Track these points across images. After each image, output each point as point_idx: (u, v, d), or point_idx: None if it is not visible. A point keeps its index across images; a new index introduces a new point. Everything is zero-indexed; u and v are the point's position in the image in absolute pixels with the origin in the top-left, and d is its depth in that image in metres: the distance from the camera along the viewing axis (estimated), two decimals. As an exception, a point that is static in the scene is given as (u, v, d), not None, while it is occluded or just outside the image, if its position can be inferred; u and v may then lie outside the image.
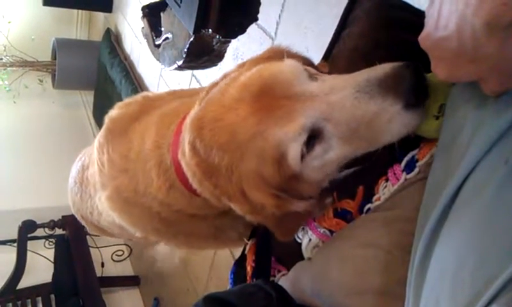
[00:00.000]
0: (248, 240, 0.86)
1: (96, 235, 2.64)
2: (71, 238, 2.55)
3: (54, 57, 3.55)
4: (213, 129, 0.61)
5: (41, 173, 3.10)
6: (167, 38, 1.68)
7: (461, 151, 0.47)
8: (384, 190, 0.63)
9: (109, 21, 3.63)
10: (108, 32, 3.46)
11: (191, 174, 0.66)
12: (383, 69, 0.55)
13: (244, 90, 0.60)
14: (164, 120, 0.79)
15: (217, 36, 1.44)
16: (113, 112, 0.90)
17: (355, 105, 0.55)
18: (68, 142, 3.06)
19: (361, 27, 0.72)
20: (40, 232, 2.61)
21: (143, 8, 1.82)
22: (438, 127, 0.56)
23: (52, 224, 2.60)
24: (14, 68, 3.52)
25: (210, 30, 1.39)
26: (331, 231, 0.70)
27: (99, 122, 3.01)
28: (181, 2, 1.44)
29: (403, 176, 0.61)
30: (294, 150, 0.57)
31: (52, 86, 3.66)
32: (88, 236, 2.63)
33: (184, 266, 2.39)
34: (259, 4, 1.48)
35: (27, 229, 2.52)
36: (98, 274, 2.58)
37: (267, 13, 1.61)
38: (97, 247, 2.76)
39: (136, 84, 2.90)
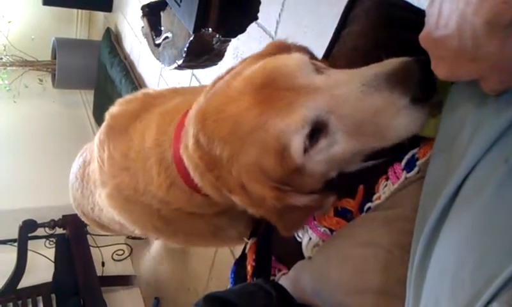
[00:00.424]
0: (248, 239, 0.86)
1: (96, 234, 2.64)
2: (71, 237, 2.55)
3: (54, 56, 3.55)
4: (216, 120, 0.60)
5: (41, 172, 3.10)
6: (167, 37, 1.68)
7: (461, 151, 0.47)
8: (385, 189, 0.63)
9: (109, 20, 3.63)
10: (108, 31, 3.46)
11: (193, 167, 0.65)
12: (390, 64, 0.54)
13: (248, 82, 0.60)
14: (165, 118, 0.79)
15: (217, 35, 1.43)
16: (114, 109, 0.90)
17: (360, 98, 0.54)
18: (68, 141, 3.05)
19: (361, 26, 0.72)
20: (40, 231, 2.60)
21: (143, 7, 1.81)
22: (435, 125, 0.55)
23: (53, 224, 2.60)
24: (14, 68, 3.52)
25: (210, 29, 1.39)
26: (332, 230, 0.70)
27: (99, 121, 3.01)
28: (181, 1, 1.44)
29: (403, 175, 0.61)
30: (296, 142, 0.57)
31: (52, 86, 3.66)
32: (88, 236, 2.63)
33: (184, 265, 2.39)
34: (259, 3, 1.47)
35: (28, 228, 2.52)
36: (99, 274, 2.58)
37: (267, 12, 1.61)
38: (98, 247, 2.76)
39: (136, 83, 2.90)
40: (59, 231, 2.64)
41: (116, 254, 2.94)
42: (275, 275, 0.80)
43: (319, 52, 0.80)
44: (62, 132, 3.56)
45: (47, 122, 3.68)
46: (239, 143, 0.59)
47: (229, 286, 0.86)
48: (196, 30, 1.39)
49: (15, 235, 2.50)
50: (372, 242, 0.60)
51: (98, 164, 0.88)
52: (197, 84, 2.26)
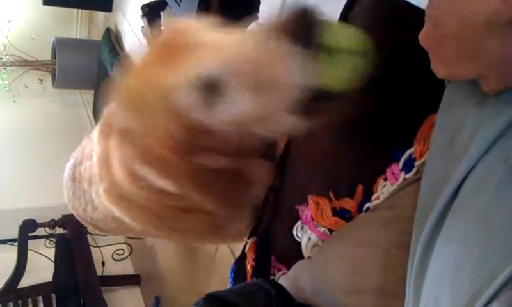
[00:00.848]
0: (248, 238, 0.86)
1: (97, 234, 2.64)
2: (71, 237, 2.55)
3: (53, 56, 3.55)
4: (127, 97, 0.64)
5: (41, 172, 3.09)
6: (167, 37, 1.67)
7: (460, 150, 0.47)
8: (383, 190, 0.63)
9: (109, 20, 3.62)
10: (108, 31, 3.46)
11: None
12: (280, 18, 0.55)
13: (148, 53, 0.63)
14: None
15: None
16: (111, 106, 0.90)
17: (250, 49, 0.55)
18: (68, 141, 3.03)
19: (360, 25, 0.72)
20: (40, 231, 2.60)
21: (143, 7, 1.82)
22: (338, 76, 0.55)
23: (53, 224, 2.60)
24: (14, 68, 3.51)
25: (209, 29, 1.38)
26: (331, 230, 0.70)
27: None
28: (181, 1, 1.44)
29: (402, 175, 0.61)
30: (184, 98, 0.58)
31: (52, 85, 3.65)
32: (88, 236, 2.63)
33: (184, 265, 2.39)
34: (259, 2, 1.47)
35: (28, 228, 2.52)
36: (99, 273, 2.58)
37: (267, 11, 1.61)
38: (98, 246, 2.76)
39: (135, 83, 2.89)
40: (59, 230, 2.64)
41: (117, 254, 2.93)
42: (275, 275, 0.80)
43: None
44: (62, 132, 3.54)
45: (46, 122, 3.68)
46: (145, 110, 0.61)
47: (229, 285, 0.86)
48: (196, 29, 1.39)
49: (15, 235, 2.50)
50: (372, 241, 0.60)
51: (97, 159, 0.87)
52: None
